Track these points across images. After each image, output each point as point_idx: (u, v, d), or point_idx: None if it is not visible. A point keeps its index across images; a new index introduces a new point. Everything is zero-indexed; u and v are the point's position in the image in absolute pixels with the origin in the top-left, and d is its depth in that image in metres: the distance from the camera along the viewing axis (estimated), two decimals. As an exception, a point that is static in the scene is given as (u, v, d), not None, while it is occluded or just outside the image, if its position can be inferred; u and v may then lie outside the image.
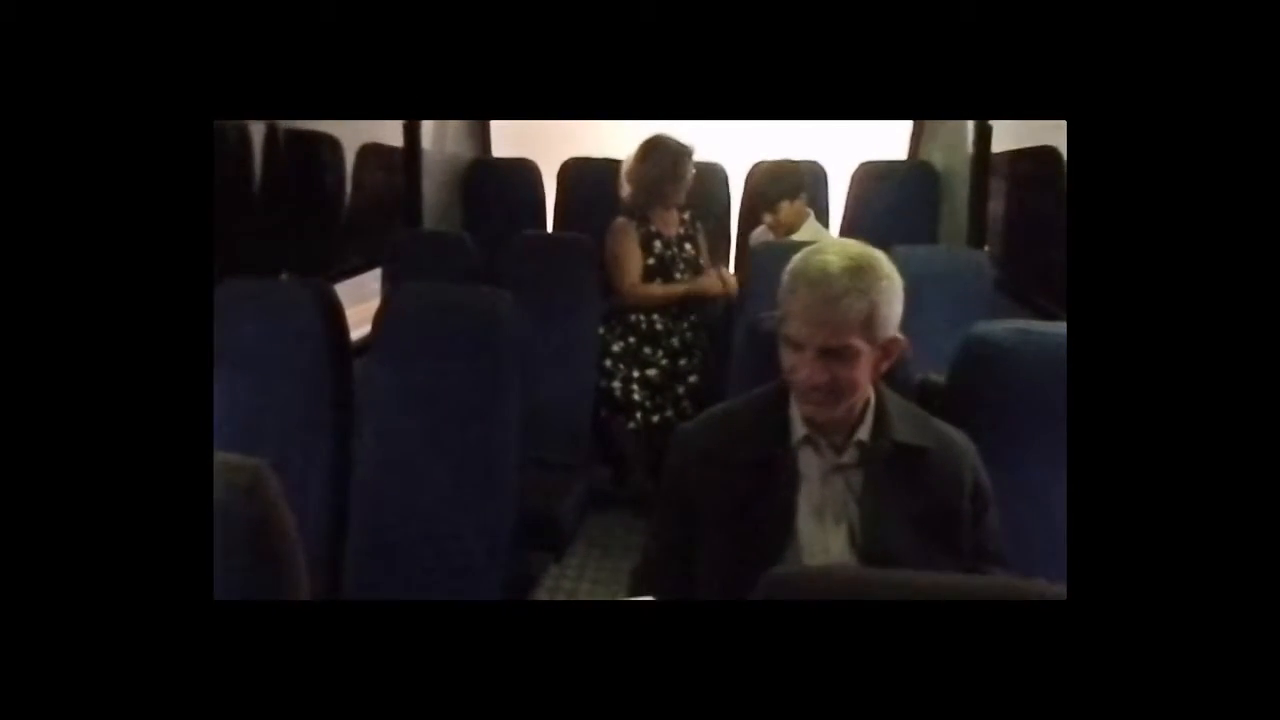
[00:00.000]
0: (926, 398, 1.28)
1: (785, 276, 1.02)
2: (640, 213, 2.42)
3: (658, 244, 2.42)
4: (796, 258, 1.02)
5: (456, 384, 1.56)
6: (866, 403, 1.07)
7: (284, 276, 2.14)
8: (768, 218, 2.49)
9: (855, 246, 1.03)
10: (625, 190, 2.43)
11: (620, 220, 2.43)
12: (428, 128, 2.86)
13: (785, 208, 2.45)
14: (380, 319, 1.66)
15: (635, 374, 2.38)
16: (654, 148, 2.39)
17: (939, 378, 1.38)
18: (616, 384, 2.37)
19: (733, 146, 2.97)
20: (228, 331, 1.72)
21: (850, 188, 2.87)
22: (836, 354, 0.99)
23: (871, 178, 2.88)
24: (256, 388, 1.70)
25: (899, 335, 1.03)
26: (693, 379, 2.40)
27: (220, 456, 0.90)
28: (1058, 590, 0.58)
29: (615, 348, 2.39)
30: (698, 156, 2.44)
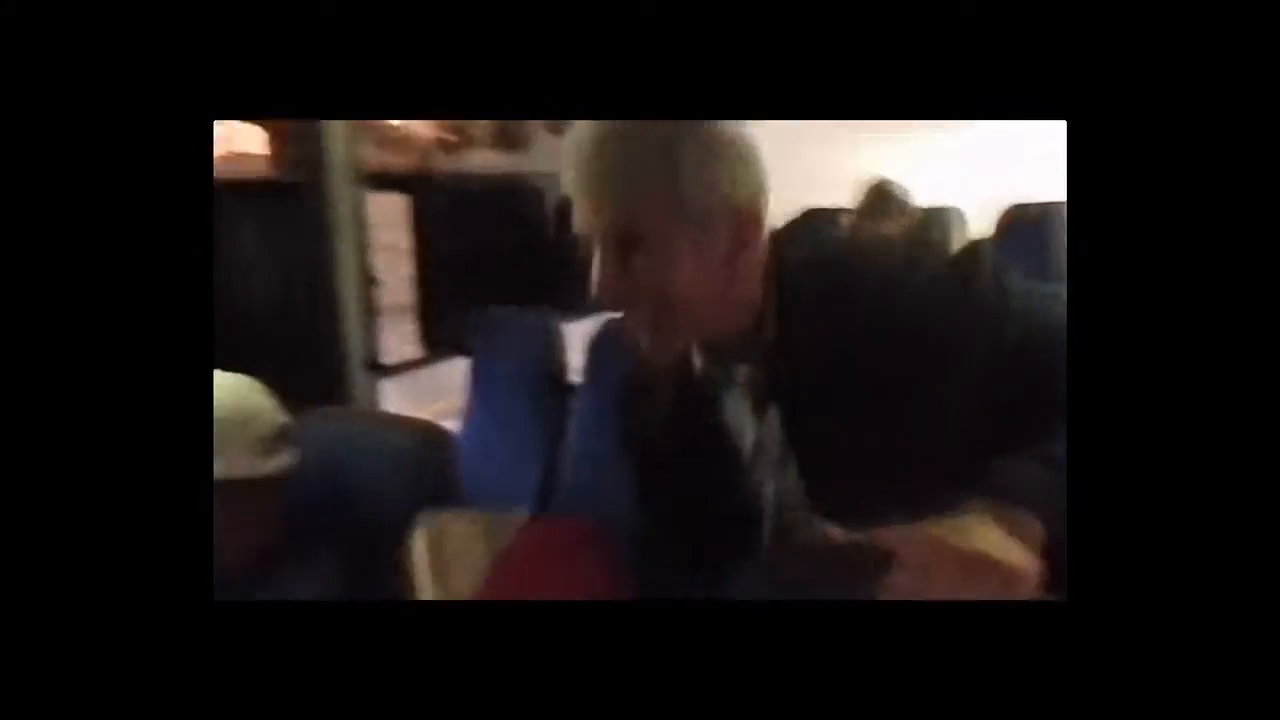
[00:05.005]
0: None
1: None
2: None
3: None
4: None
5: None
6: None
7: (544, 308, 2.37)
8: None
9: None
10: None
11: None
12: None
13: None
14: (589, 349, 1.77)
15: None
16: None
17: None
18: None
19: (977, 188, 2.68)
20: (483, 353, 1.97)
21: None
22: None
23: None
24: (498, 407, 1.91)
25: None
26: None
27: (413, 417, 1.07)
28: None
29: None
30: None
